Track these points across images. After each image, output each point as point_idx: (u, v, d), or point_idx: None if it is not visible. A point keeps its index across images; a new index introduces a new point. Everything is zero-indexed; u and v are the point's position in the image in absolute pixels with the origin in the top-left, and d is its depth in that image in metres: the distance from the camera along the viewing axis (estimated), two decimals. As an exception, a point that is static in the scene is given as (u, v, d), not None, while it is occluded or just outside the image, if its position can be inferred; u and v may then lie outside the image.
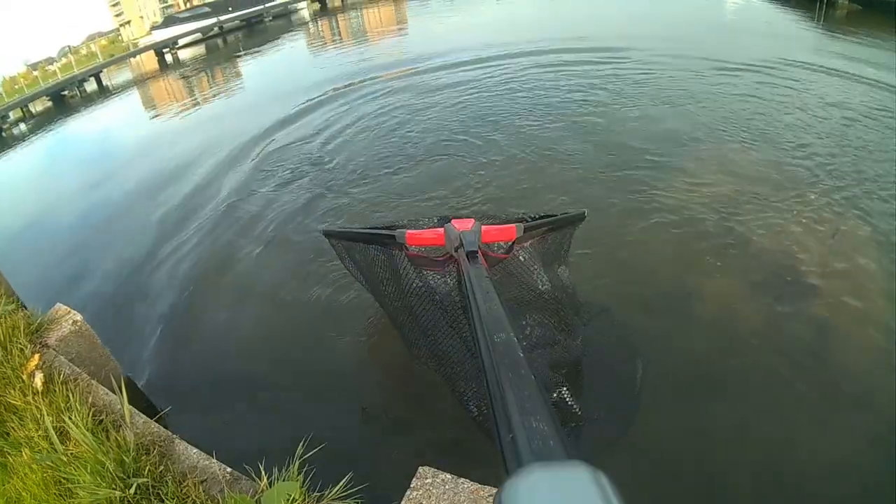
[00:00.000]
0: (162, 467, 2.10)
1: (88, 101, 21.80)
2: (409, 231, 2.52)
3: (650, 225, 4.26)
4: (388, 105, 8.75)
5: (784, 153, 5.17)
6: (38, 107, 22.84)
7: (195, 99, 15.64)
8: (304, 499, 1.84)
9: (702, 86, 7.44)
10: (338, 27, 25.95)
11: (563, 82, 8.24)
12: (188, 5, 42.86)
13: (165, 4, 47.28)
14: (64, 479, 2.06)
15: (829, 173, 4.68)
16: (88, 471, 1.96)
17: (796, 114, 6.08)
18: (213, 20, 33.05)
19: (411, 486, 1.92)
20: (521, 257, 2.65)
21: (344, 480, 1.93)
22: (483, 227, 2.22)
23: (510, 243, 2.56)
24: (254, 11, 33.87)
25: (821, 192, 4.41)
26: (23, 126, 19.58)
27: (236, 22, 33.38)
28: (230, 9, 34.27)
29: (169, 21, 35.79)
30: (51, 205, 8.32)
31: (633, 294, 3.55)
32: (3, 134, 18.72)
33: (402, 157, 6.42)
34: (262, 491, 1.91)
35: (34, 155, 14.19)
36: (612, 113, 6.76)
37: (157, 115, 14.09)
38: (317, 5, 35.68)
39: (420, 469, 1.98)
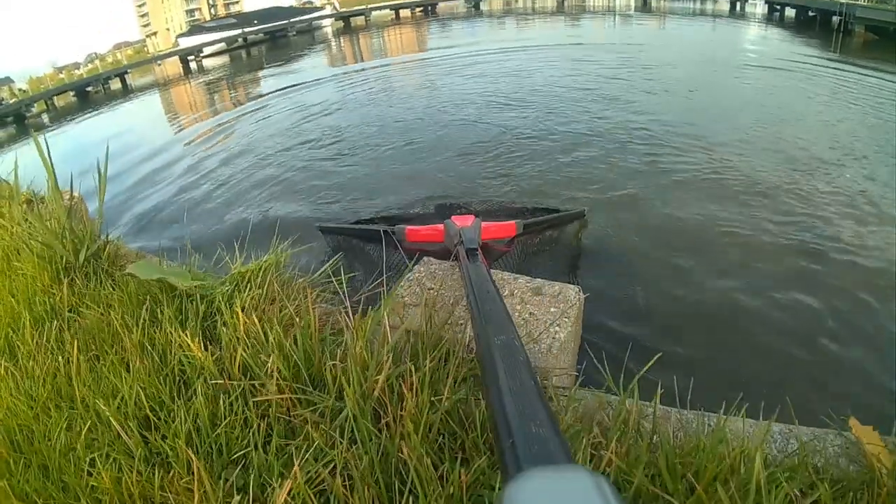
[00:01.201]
0: (125, 262, 1.86)
1: (112, 97, 22.14)
2: (409, 227, 2.60)
3: (678, 189, 4.20)
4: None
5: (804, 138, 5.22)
6: (60, 102, 23.21)
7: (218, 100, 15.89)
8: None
9: (723, 85, 7.74)
10: (359, 46, 26.39)
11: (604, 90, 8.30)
12: (213, 17, 44.19)
13: (192, 18, 48.75)
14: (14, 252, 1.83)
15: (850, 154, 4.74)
16: (41, 237, 1.73)
17: (814, 106, 6.29)
18: (237, 31, 33.77)
19: (413, 269, 1.68)
20: (520, 251, 2.80)
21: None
22: (483, 224, 2.30)
23: (510, 238, 2.69)
24: (278, 25, 34.64)
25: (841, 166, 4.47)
26: (45, 117, 19.89)
27: (260, 35, 34.10)
28: (255, 22, 35.13)
29: (195, 30, 36.71)
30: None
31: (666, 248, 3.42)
32: (27, 122, 19.04)
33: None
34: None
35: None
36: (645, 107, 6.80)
37: (183, 114, 14.29)
38: (340, 23, 36.51)
39: (424, 258, 1.75)
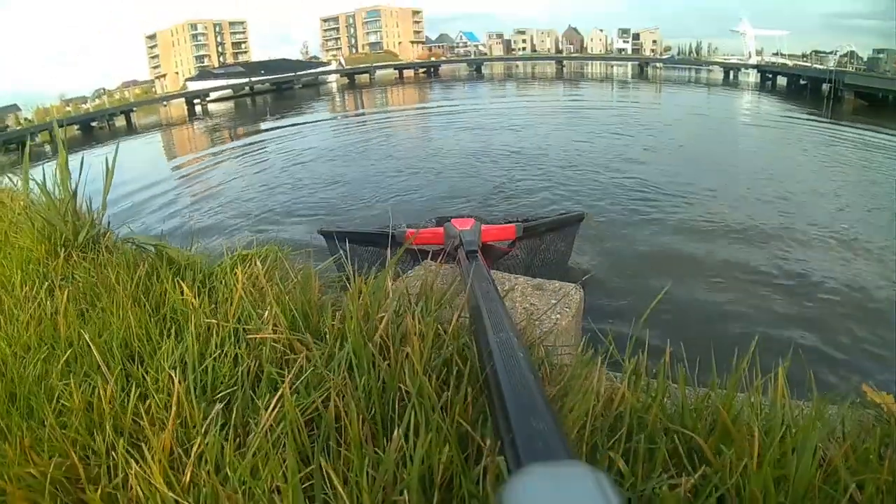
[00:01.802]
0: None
1: (115, 134, 22.44)
2: (410, 230, 2.65)
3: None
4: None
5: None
6: (64, 135, 23.39)
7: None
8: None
9: (714, 139, 8.14)
10: (362, 101, 27.16)
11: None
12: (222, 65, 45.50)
13: (201, 64, 50.20)
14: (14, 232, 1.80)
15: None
16: (43, 213, 1.71)
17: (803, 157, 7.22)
18: (245, 80, 34.71)
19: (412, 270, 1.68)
20: (522, 253, 2.85)
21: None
22: (483, 227, 2.33)
23: (511, 241, 2.74)
24: (284, 77, 35.69)
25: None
26: (47, 147, 20.01)
27: (266, 85, 35.06)
28: (262, 72, 36.21)
29: (203, 75, 37.74)
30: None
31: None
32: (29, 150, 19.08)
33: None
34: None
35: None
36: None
37: (183, 153, 14.50)
38: (345, 80, 37.76)
39: (424, 262, 1.75)
